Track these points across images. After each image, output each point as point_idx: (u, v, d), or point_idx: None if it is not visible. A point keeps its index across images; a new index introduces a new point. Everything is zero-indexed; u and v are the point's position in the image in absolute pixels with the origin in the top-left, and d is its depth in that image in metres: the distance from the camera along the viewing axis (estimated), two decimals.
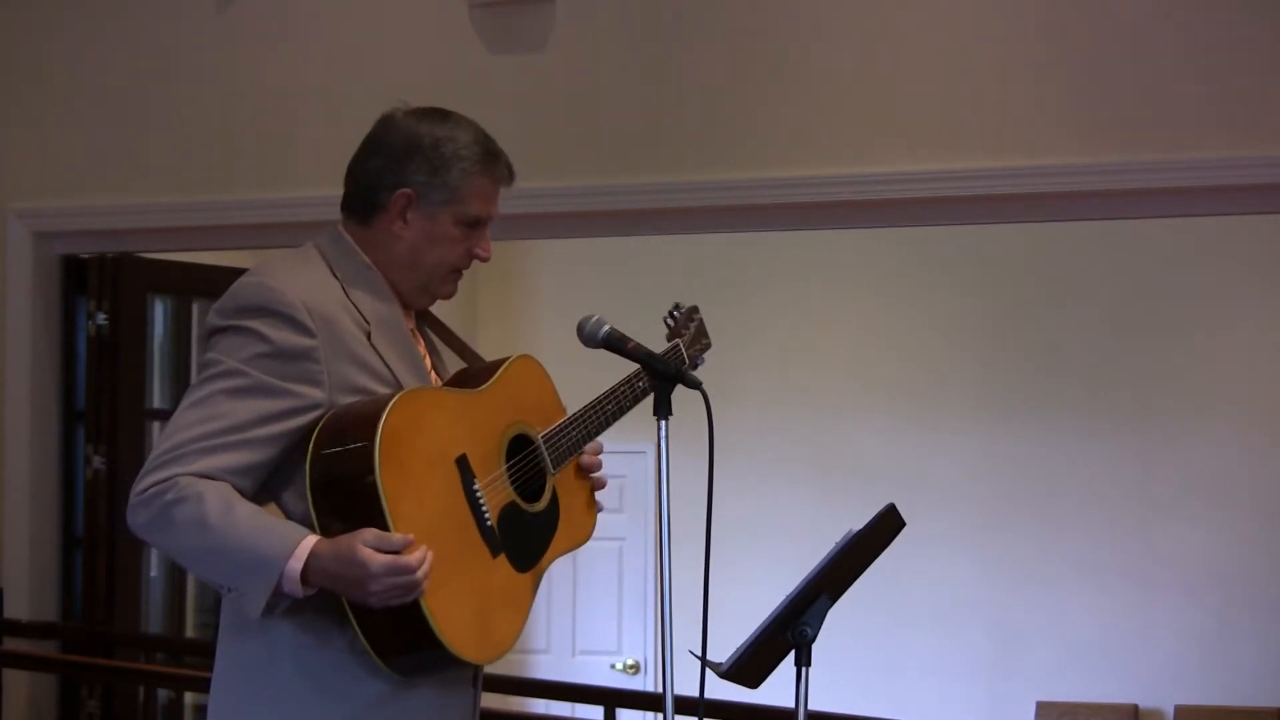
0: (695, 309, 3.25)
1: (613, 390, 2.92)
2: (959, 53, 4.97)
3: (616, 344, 2.81)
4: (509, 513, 2.67)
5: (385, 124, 2.77)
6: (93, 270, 5.96)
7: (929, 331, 8.25)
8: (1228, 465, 7.80)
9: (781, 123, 5.10)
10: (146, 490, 2.49)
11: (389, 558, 2.44)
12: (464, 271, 2.80)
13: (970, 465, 8.14)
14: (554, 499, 2.78)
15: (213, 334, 2.61)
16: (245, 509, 2.50)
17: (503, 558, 2.65)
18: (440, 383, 2.78)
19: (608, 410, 2.90)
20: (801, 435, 8.37)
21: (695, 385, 2.78)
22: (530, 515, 2.72)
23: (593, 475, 2.88)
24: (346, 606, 2.51)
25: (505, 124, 5.25)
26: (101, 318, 5.95)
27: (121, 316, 5.98)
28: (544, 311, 8.72)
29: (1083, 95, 4.85)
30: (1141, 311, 7.96)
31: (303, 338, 2.56)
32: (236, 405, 2.53)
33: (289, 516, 2.58)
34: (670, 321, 3.20)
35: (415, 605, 2.47)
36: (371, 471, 2.48)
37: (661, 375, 2.78)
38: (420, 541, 2.48)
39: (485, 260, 2.80)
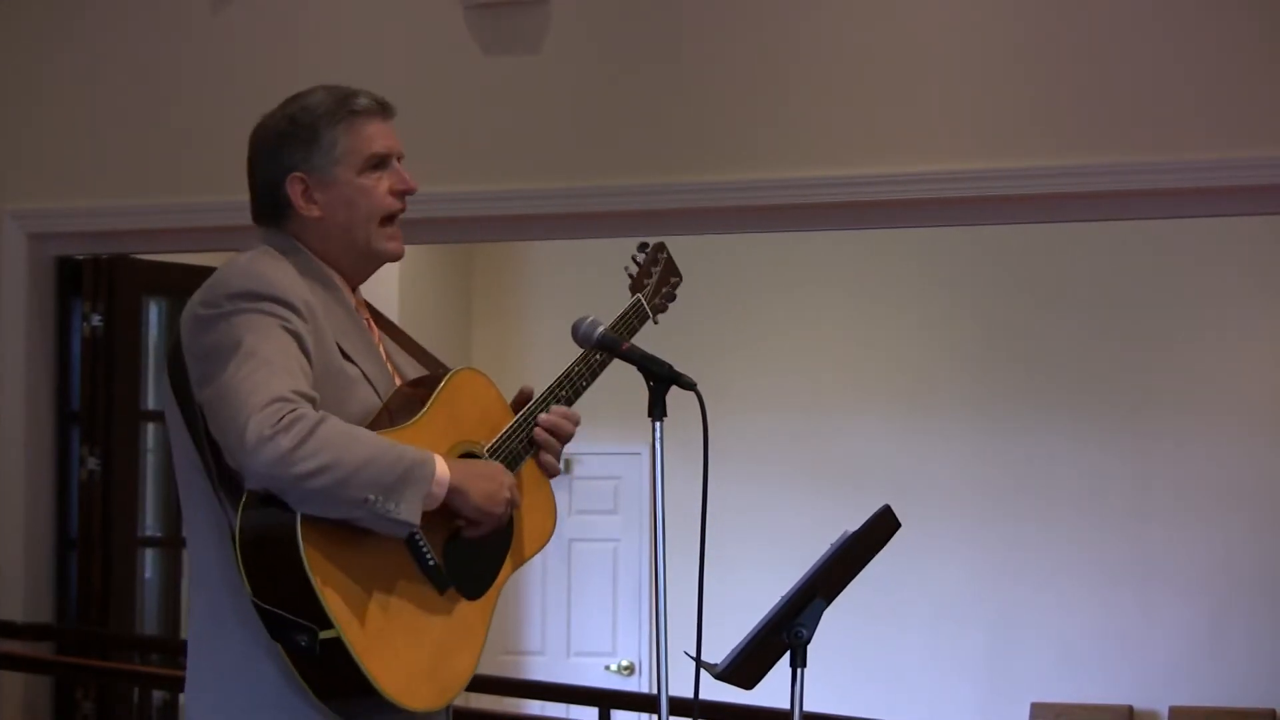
0: (661, 246, 3.16)
1: (567, 373, 2.84)
2: (954, 55, 4.97)
3: (611, 345, 2.80)
4: (455, 543, 2.60)
5: (253, 134, 2.77)
6: (87, 271, 5.97)
7: (924, 334, 8.26)
8: (1222, 467, 7.81)
9: (778, 124, 5.10)
10: (280, 419, 2.36)
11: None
12: (400, 218, 2.74)
13: (965, 467, 8.15)
14: None
15: (209, 320, 2.51)
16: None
17: (451, 592, 2.58)
18: (396, 375, 2.72)
19: (561, 397, 2.81)
20: (797, 437, 8.38)
21: (690, 386, 2.76)
22: (480, 537, 2.63)
23: (539, 439, 2.75)
24: (288, 658, 2.44)
25: (500, 125, 5.33)
26: (96, 319, 5.95)
27: (116, 318, 5.98)
28: (539, 312, 8.72)
29: (1078, 97, 4.85)
30: (1135, 314, 7.97)
31: (300, 320, 2.53)
32: (280, 348, 2.46)
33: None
34: (633, 269, 3.10)
35: (356, 667, 2.41)
36: (292, 528, 2.40)
37: (657, 377, 2.77)
38: (351, 601, 2.42)
39: (412, 190, 2.74)
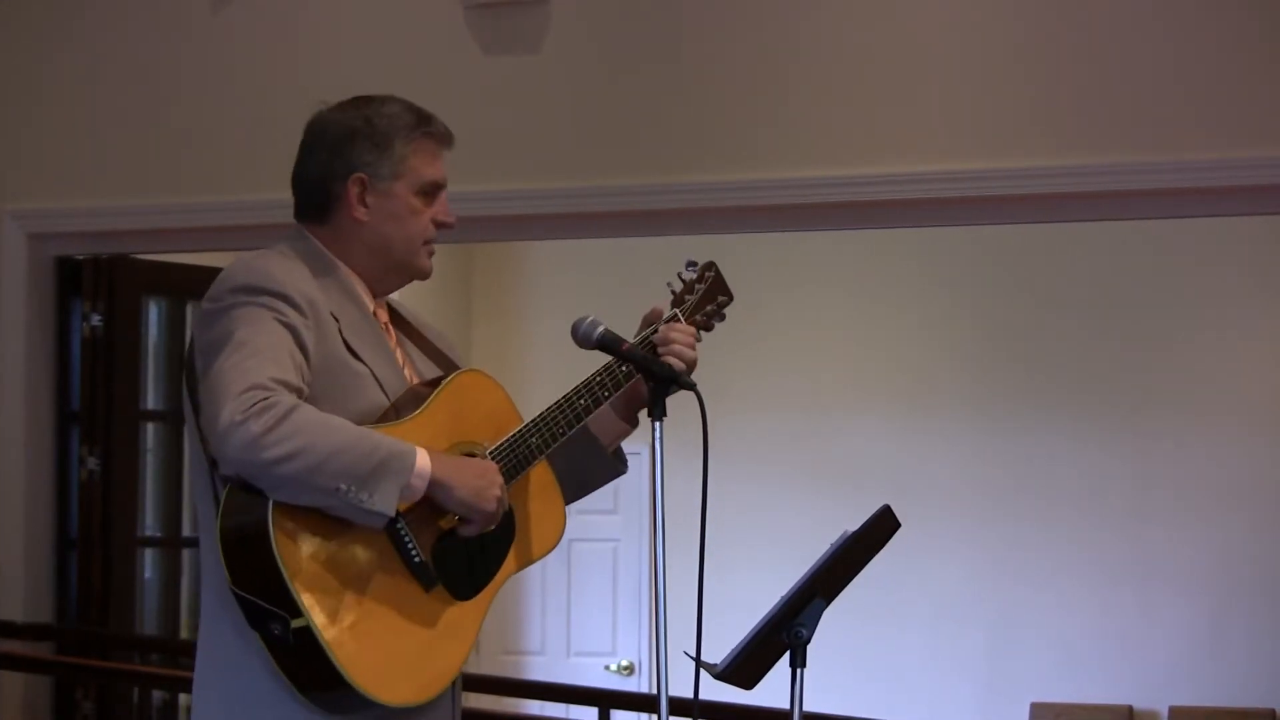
0: (710, 265, 3.07)
1: (587, 382, 2.81)
2: (954, 55, 4.97)
3: (611, 345, 2.79)
4: (448, 542, 2.57)
5: (314, 124, 2.78)
6: (87, 271, 5.96)
7: (924, 334, 8.26)
8: (1222, 467, 7.81)
9: (778, 124, 5.10)
10: (253, 405, 2.37)
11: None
12: (435, 244, 2.77)
13: (965, 467, 8.15)
14: (507, 514, 2.65)
15: (211, 315, 2.55)
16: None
17: (439, 590, 2.55)
18: (414, 378, 2.73)
19: (579, 406, 2.78)
20: (797, 438, 8.38)
21: (690, 387, 2.76)
22: (475, 537, 2.60)
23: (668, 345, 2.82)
24: (265, 648, 2.44)
25: (500, 125, 5.33)
26: (96, 319, 5.95)
27: (116, 318, 5.98)
28: (539, 312, 8.72)
29: (1078, 97, 4.85)
30: (1135, 313, 7.97)
31: (299, 315, 2.54)
32: (272, 339, 2.48)
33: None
34: (676, 286, 3.03)
35: (325, 656, 2.41)
36: (264, 516, 2.41)
37: (656, 377, 2.76)
38: (323, 591, 2.42)
39: (450, 226, 2.78)
